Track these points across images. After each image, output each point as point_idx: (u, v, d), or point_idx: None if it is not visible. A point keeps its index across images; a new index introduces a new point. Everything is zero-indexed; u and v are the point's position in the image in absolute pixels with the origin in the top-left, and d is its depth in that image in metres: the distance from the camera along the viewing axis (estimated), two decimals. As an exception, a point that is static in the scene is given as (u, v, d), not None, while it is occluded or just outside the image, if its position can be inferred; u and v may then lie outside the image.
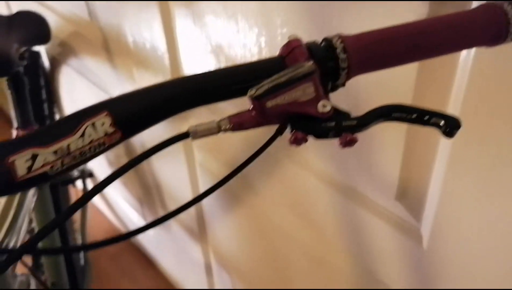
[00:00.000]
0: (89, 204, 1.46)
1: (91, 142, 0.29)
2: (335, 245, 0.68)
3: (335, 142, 0.31)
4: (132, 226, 1.52)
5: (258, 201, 0.80)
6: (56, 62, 1.21)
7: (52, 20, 1.01)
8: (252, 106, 0.31)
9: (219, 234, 1.01)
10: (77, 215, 1.27)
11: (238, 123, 0.32)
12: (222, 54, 0.66)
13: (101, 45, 0.94)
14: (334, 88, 0.33)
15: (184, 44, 0.72)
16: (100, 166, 1.39)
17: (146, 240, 1.49)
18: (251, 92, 0.30)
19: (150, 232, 1.40)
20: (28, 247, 0.29)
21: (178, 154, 0.94)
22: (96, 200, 1.71)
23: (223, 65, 0.68)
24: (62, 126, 0.29)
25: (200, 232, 1.08)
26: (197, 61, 0.72)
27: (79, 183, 1.27)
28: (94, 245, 0.36)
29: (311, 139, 0.32)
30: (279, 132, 0.32)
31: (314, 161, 0.63)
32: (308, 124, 0.31)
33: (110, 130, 0.29)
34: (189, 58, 0.73)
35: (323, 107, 0.31)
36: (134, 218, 1.48)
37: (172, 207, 1.16)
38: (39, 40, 0.98)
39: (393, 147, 0.50)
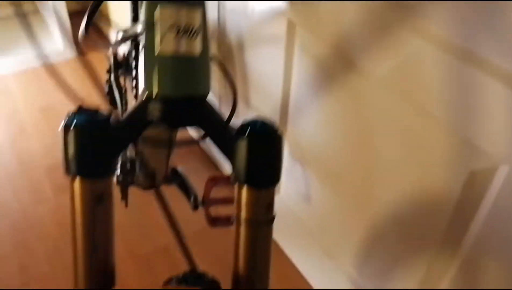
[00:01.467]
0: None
1: None
2: (436, 119, 0.69)
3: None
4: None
5: (359, 81, 0.82)
6: None
7: None
8: None
9: (303, 125, 1.04)
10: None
11: None
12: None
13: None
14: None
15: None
16: None
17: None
18: None
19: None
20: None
21: (278, 38, 0.97)
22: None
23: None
24: None
25: (280, 124, 1.12)
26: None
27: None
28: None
29: None
30: None
31: (432, 27, 0.64)
32: None
33: None
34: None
35: None
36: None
37: (257, 103, 1.20)
38: None
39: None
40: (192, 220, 1.37)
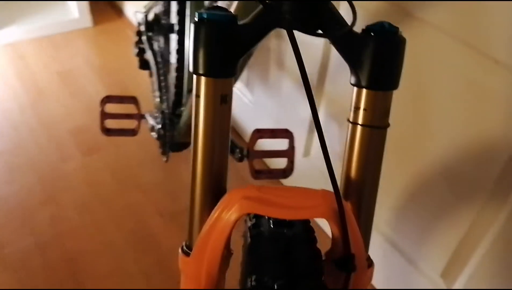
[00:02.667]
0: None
1: None
2: (499, 64, 0.72)
3: None
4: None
5: (415, 31, 0.83)
6: None
7: None
8: None
9: (344, 81, 1.06)
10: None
11: None
12: None
13: None
14: None
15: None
16: None
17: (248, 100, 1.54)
18: None
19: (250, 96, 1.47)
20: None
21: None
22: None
23: None
24: None
25: (318, 83, 1.14)
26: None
27: None
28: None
29: None
30: None
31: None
32: None
33: None
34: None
35: None
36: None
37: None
38: None
39: None
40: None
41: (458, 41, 0.77)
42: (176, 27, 1.06)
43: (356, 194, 0.45)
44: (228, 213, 0.41)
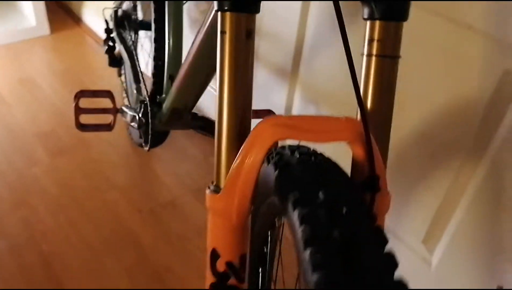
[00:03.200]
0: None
1: None
2: (472, 27, 0.78)
3: None
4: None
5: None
6: None
7: None
8: None
9: (319, 65, 1.10)
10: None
11: None
12: None
13: None
14: None
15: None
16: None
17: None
18: None
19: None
20: None
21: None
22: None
23: None
24: None
25: (292, 69, 1.17)
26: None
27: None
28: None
29: None
30: None
31: None
32: None
33: None
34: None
35: None
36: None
37: (270, 46, 1.25)
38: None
39: None
40: (194, 178, 1.39)
41: (431, 11, 0.82)
42: (153, 21, 1.07)
43: (374, 122, 0.47)
44: (261, 142, 0.43)
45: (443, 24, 0.81)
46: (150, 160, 1.49)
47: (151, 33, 1.09)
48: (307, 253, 0.33)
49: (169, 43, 1.02)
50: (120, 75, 1.54)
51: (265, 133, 0.43)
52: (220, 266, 0.49)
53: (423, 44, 0.86)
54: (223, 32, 0.45)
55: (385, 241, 0.34)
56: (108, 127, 1.25)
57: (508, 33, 0.73)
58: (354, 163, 0.46)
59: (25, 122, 1.56)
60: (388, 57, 0.46)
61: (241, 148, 0.44)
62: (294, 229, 0.36)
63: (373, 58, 0.46)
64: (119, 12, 1.33)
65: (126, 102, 1.46)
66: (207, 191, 0.50)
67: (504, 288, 0.89)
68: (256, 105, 1.32)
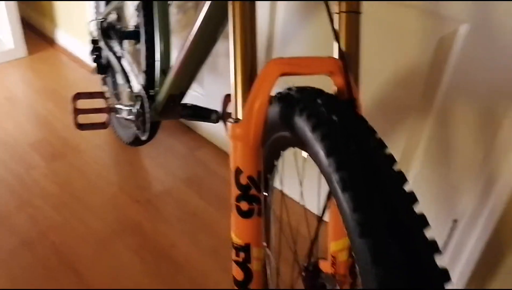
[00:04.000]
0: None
1: None
2: (407, 4, 0.97)
3: None
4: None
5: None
6: None
7: None
8: None
9: (289, 54, 1.28)
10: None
11: None
12: None
13: None
14: None
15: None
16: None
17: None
18: None
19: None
20: None
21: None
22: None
23: None
24: None
25: (266, 55, 1.35)
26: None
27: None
28: None
29: None
30: None
31: None
32: None
33: None
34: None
35: None
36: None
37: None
38: None
39: None
40: (183, 169, 1.54)
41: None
42: (143, 24, 1.22)
43: (348, 60, 0.65)
44: (270, 76, 0.59)
45: (386, 4, 1.01)
46: (140, 158, 1.62)
47: (141, 36, 1.23)
48: (317, 137, 0.50)
49: (160, 42, 1.17)
50: (104, 83, 1.68)
51: (272, 69, 0.59)
52: (243, 180, 0.64)
53: (371, 23, 1.05)
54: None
55: (370, 128, 0.51)
56: (104, 125, 1.38)
57: (439, 6, 0.93)
58: (336, 91, 0.63)
59: (17, 134, 1.66)
60: (353, 12, 0.64)
61: (254, 82, 0.60)
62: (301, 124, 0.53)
63: (344, 14, 0.64)
64: (104, 24, 1.47)
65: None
66: (228, 124, 0.65)
67: (458, 219, 1.08)
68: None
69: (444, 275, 0.40)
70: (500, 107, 0.92)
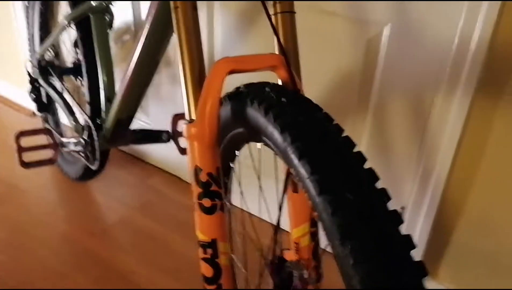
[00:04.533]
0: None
1: None
2: (336, 14, 1.06)
3: None
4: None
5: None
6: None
7: None
8: None
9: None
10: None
11: None
12: None
13: None
14: None
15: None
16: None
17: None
18: None
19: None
20: None
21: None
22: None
23: None
24: None
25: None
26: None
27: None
28: None
29: None
30: None
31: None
32: None
33: None
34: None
35: None
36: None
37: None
38: None
39: None
40: (135, 198, 1.53)
41: (304, 7, 1.10)
42: (83, 55, 1.23)
43: (289, 56, 0.70)
44: (219, 74, 0.63)
45: (317, 15, 1.10)
46: (91, 192, 1.59)
47: (83, 67, 1.25)
48: (270, 119, 0.54)
49: (102, 71, 1.19)
50: (46, 121, 1.65)
51: (220, 68, 0.63)
52: (203, 177, 0.66)
53: (306, 33, 1.13)
54: (176, 8, 0.66)
55: (316, 105, 0.57)
56: (51, 161, 1.36)
57: (362, 12, 1.02)
58: (281, 84, 0.68)
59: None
60: (288, 12, 0.70)
61: (205, 82, 0.64)
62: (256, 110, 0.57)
63: (280, 15, 0.70)
64: (43, 62, 1.47)
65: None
66: (183, 125, 0.68)
67: (405, 206, 1.15)
68: (178, 108, 1.52)
69: (397, 216, 0.45)
70: (427, 98, 1.02)
